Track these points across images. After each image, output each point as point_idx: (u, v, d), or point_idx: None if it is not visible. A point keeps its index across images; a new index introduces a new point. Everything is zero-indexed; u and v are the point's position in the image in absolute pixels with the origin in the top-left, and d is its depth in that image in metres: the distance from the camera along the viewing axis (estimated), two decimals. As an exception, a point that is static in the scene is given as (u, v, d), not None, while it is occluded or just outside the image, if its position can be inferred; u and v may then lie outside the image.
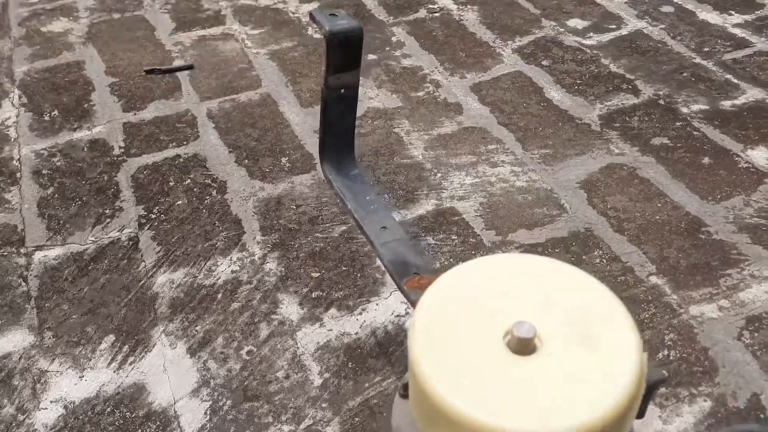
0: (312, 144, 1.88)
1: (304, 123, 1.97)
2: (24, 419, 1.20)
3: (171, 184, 1.75)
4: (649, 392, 0.79)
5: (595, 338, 0.72)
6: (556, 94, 2.06)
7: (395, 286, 1.45)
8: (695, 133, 1.87)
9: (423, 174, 1.78)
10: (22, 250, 1.55)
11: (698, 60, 2.18)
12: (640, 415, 0.82)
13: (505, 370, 0.69)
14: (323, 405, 1.23)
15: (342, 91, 1.12)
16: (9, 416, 1.20)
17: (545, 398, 0.65)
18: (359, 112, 2.01)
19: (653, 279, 1.44)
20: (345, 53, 1.12)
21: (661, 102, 2.01)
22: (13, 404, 1.23)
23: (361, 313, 1.39)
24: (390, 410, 0.82)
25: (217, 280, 1.47)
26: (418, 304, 0.75)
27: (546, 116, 1.97)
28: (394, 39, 2.36)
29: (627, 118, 1.94)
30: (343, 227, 1.61)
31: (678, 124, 1.91)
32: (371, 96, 2.08)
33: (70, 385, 1.26)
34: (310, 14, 1.16)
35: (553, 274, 0.77)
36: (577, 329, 0.74)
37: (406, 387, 0.76)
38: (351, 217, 1.05)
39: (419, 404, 0.71)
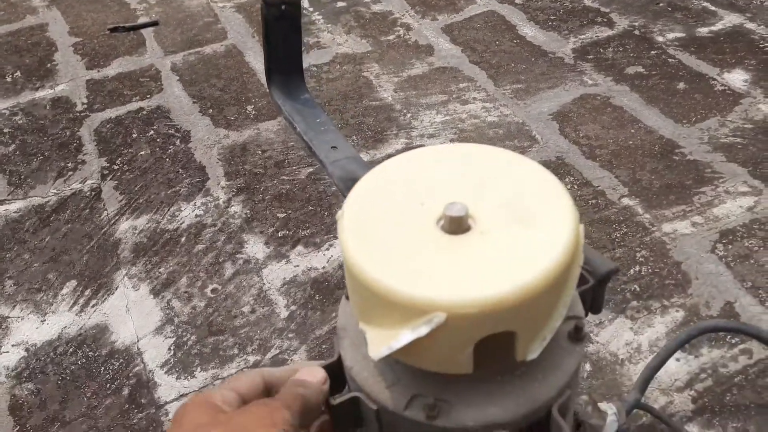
0: (279, 91, 1.84)
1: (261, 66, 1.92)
2: (-18, 364, 1.18)
3: (134, 136, 1.71)
4: (600, 284, 0.76)
5: (529, 215, 0.68)
6: (529, 31, 2.02)
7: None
8: (670, 60, 1.83)
9: (392, 115, 1.74)
10: (-18, 205, 1.52)
11: (673, -11, 2.13)
12: (596, 310, 0.80)
13: (437, 248, 0.65)
14: (289, 335, 1.20)
15: (283, 7, 1.05)
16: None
17: (476, 270, 0.62)
18: (327, 59, 1.97)
19: (625, 200, 1.41)
20: (282, -41, 1.06)
21: (636, 32, 1.96)
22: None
23: (328, 249, 1.37)
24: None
25: (181, 224, 1.44)
26: (349, 194, 0.71)
27: (519, 53, 1.93)
28: (363, -14, 2.31)
29: (601, 50, 1.90)
30: (310, 169, 1.58)
31: (653, 52, 1.87)
32: (340, 42, 2.04)
33: (32, 329, 1.23)
34: None
35: (489, 159, 0.74)
36: (512, 208, 0.70)
37: None
38: (300, 140, 1.01)
39: (354, 293, 0.68)
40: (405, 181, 0.72)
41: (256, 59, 1.98)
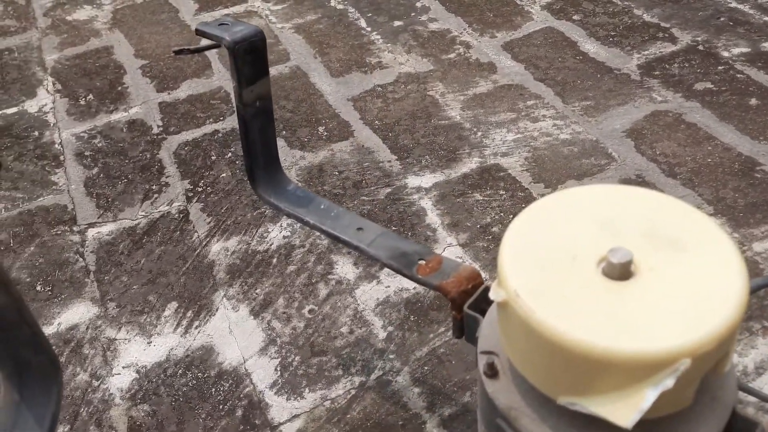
0: (346, 112, 1.88)
1: (337, 92, 1.96)
2: (99, 385, 1.21)
3: (213, 158, 1.75)
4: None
5: (694, 261, 0.70)
6: (591, 47, 2.04)
7: (447, 241, 1.45)
8: (739, 75, 1.84)
9: (463, 133, 1.76)
10: (75, 228, 1.56)
11: (734, 4, 2.14)
12: None
13: (601, 294, 0.66)
14: (390, 356, 1.22)
15: (257, 103, 1.03)
16: (84, 382, 1.21)
17: (647, 319, 0.63)
18: (391, 78, 2.00)
19: (711, 218, 1.42)
20: (253, 62, 1.01)
21: (701, 48, 1.98)
22: (86, 371, 1.24)
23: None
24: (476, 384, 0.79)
25: (270, 245, 1.48)
26: (507, 230, 0.73)
27: (583, 69, 1.95)
28: (418, 4, 2.34)
29: (667, 66, 1.92)
30: (388, 189, 1.60)
31: (720, 68, 1.88)
32: (401, 62, 2.07)
33: (140, 350, 1.27)
34: (197, 30, 0.98)
35: (648, 202, 0.75)
36: (675, 254, 0.71)
37: (491, 366, 0.72)
38: (319, 231, 1.00)
39: (560, 370, 0.65)
40: (564, 220, 0.71)
41: (321, 80, 2.02)
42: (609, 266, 0.67)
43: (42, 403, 0.68)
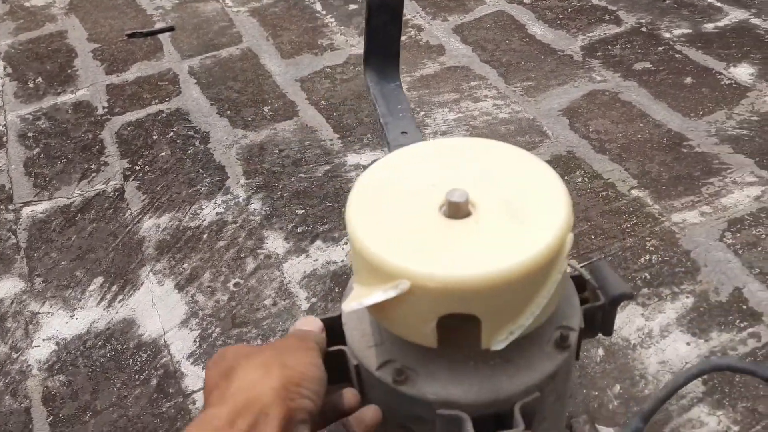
0: (294, 92, 1.89)
1: (286, 73, 1.97)
2: (18, 357, 1.22)
3: (154, 137, 1.76)
4: (611, 305, 0.79)
5: (525, 212, 0.73)
6: (538, 30, 2.05)
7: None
8: (678, 55, 1.86)
9: (406, 113, 1.77)
10: (10, 207, 1.57)
11: (679, -14, 2.16)
12: (607, 332, 0.83)
13: (429, 227, 0.71)
14: (310, 327, 1.24)
15: None
16: (3, 355, 1.23)
17: (454, 252, 0.67)
18: (340, 60, 2.01)
19: (635, 192, 1.44)
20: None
21: (644, 29, 1.99)
22: (7, 344, 1.25)
23: (346, 243, 1.40)
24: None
25: (203, 222, 1.49)
26: (357, 180, 0.76)
27: (528, 51, 1.96)
28: (373, -11, 2.35)
29: (609, 47, 1.93)
30: (327, 167, 1.62)
31: (660, 48, 1.90)
32: (353, 44, 2.08)
33: (62, 324, 1.28)
34: None
35: (496, 154, 0.79)
36: (511, 202, 0.75)
37: (399, 372, 0.77)
38: (377, 122, 1.08)
39: (352, 254, 0.72)
40: (412, 169, 0.77)
41: (271, 62, 2.03)
42: (448, 206, 0.70)
43: None
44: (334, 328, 0.86)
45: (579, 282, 0.88)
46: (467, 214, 0.73)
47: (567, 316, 0.81)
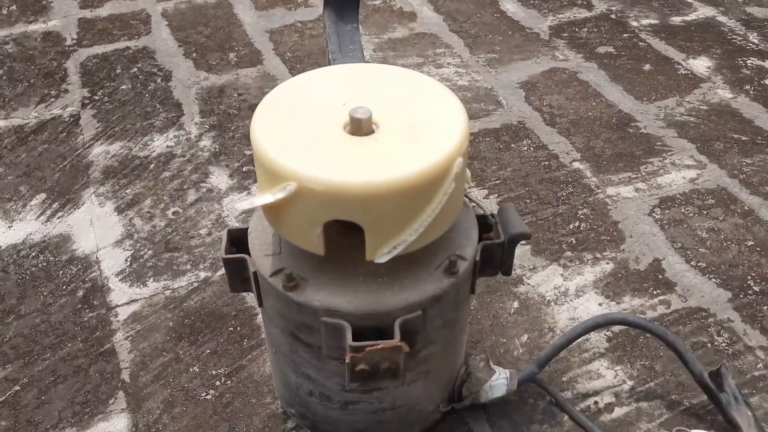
0: (261, 42, 1.91)
1: (257, 24, 1.98)
2: (-52, 258, 1.24)
3: (118, 71, 1.77)
4: (509, 244, 0.83)
5: (422, 133, 0.77)
6: (510, 7, 2.08)
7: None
8: (641, 43, 1.90)
9: (369, 73, 1.80)
10: (-36, 121, 1.58)
11: (654, -21, 2.19)
12: (506, 271, 0.86)
13: (334, 143, 0.73)
14: (240, 258, 1.27)
15: None
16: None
17: (348, 163, 0.70)
18: (312, 17, 2.03)
19: (576, 164, 1.48)
20: None
21: (613, 16, 2.03)
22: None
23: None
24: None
25: (152, 152, 1.51)
26: (258, 105, 0.79)
27: (498, 26, 1.99)
28: (357, -46, 2.36)
29: (576, 30, 1.97)
30: (284, 115, 1.64)
31: (626, 35, 1.93)
32: (328, 3, 2.09)
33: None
34: None
35: (406, 80, 0.82)
36: (413, 125, 0.79)
37: (289, 277, 0.80)
38: (327, 59, 1.10)
39: (257, 170, 0.75)
40: (318, 89, 0.80)
41: (244, 11, 2.04)
42: (351, 123, 0.73)
43: None
44: (242, 239, 0.90)
45: (486, 223, 0.92)
46: (369, 132, 0.76)
47: (461, 246, 0.85)
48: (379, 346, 0.71)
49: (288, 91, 0.79)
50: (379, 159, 0.71)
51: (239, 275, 0.84)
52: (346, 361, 0.72)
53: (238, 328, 1.13)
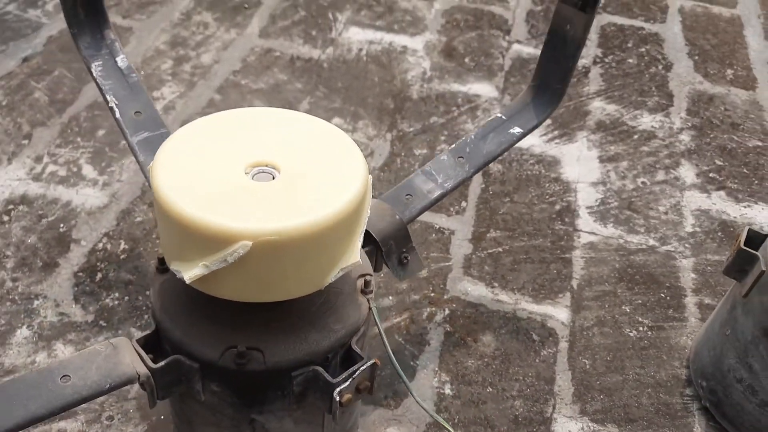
0: (761, 71, 1.99)
1: (762, 52, 2.06)
2: (478, 135, 1.63)
3: (629, 45, 2.01)
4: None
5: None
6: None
7: None
8: None
9: None
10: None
11: None
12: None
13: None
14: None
15: None
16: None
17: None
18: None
19: None
20: None
21: None
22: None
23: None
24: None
25: (638, 125, 1.74)
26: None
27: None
28: None
29: None
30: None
31: None
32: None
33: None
34: None
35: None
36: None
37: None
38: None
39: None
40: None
41: (752, 36, 2.13)
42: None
43: None
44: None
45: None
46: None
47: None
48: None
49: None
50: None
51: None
52: None
53: (667, 297, 1.34)
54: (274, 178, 0.69)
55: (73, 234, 1.33)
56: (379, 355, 1.03)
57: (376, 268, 0.88)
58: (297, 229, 0.64)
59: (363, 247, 0.82)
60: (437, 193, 0.93)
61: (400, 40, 1.93)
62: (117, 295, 1.23)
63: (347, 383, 0.70)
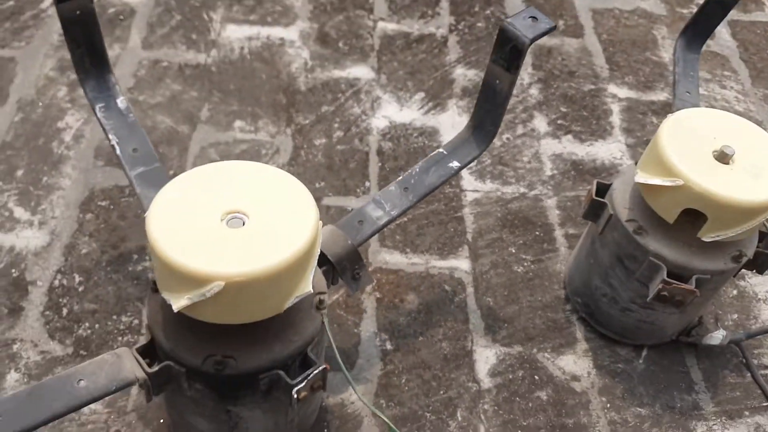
0: (585, 17, 2.33)
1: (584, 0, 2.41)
2: (364, 120, 1.86)
3: (476, 9, 2.28)
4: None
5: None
6: (799, 52, 2.36)
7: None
8: None
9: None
10: (371, 17, 2.17)
11: None
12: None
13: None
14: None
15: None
16: (357, 114, 1.86)
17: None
18: (629, 6, 2.42)
19: None
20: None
21: None
22: (359, 109, 1.88)
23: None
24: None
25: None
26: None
27: (782, 66, 2.30)
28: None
29: None
30: (590, 87, 2.09)
31: None
32: (643, -2, 2.47)
33: (395, 110, 1.89)
34: None
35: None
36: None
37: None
38: (672, 78, 1.38)
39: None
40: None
41: None
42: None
43: None
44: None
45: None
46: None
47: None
48: (681, 286, 1.21)
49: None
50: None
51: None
52: (659, 288, 1.22)
53: (541, 234, 1.67)
54: (244, 223, 0.84)
55: (27, 277, 1.44)
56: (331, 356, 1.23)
57: (333, 282, 1.08)
58: (261, 271, 0.78)
59: (321, 266, 1.00)
60: (385, 219, 1.14)
61: (276, 32, 2.08)
62: (87, 324, 1.38)
63: (303, 383, 0.86)
